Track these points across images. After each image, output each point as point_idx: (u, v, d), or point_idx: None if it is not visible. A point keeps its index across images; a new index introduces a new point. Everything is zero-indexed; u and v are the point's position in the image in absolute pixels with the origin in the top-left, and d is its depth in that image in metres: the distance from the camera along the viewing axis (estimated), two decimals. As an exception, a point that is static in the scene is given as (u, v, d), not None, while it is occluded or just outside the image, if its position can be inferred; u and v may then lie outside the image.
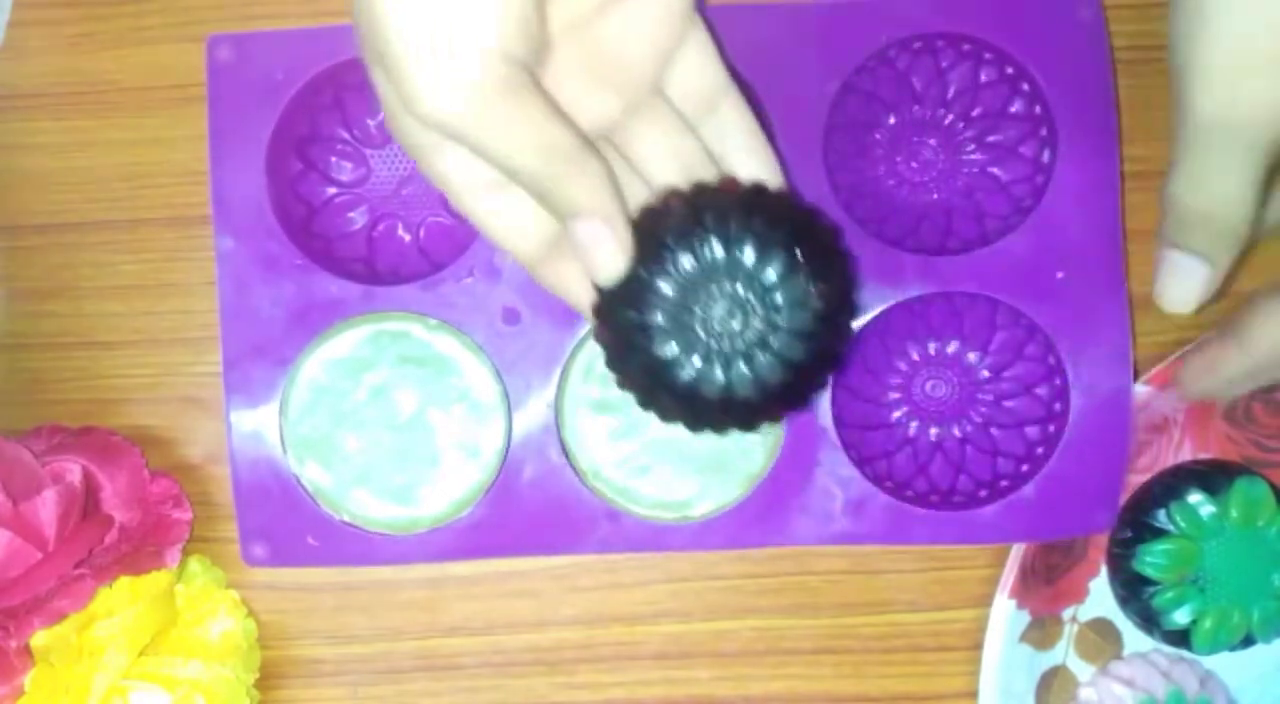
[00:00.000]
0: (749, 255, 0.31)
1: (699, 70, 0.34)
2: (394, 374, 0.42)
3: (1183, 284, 0.34)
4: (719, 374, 0.31)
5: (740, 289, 0.31)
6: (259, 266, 0.40)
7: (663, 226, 0.31)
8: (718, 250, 0.31)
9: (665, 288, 0.31)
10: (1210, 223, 0.33)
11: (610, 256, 0.31)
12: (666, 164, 0.33)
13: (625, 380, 0.33)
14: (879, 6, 0.41)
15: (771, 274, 0.31)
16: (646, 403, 0.33)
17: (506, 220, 0.32)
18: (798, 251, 0.31)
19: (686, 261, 0.31)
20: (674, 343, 0.31)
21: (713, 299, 0.31)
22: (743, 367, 0.31)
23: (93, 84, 0.43)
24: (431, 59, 0.28)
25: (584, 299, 0.33)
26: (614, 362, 0.33)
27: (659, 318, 0.31)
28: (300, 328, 0.41)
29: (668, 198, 0.32)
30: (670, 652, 0.44)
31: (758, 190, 0.33)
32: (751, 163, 0.34)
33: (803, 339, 0.31)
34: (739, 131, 0.34)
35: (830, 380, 0.35)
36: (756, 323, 0.31)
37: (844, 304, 0.33)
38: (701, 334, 0.31)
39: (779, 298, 0.31)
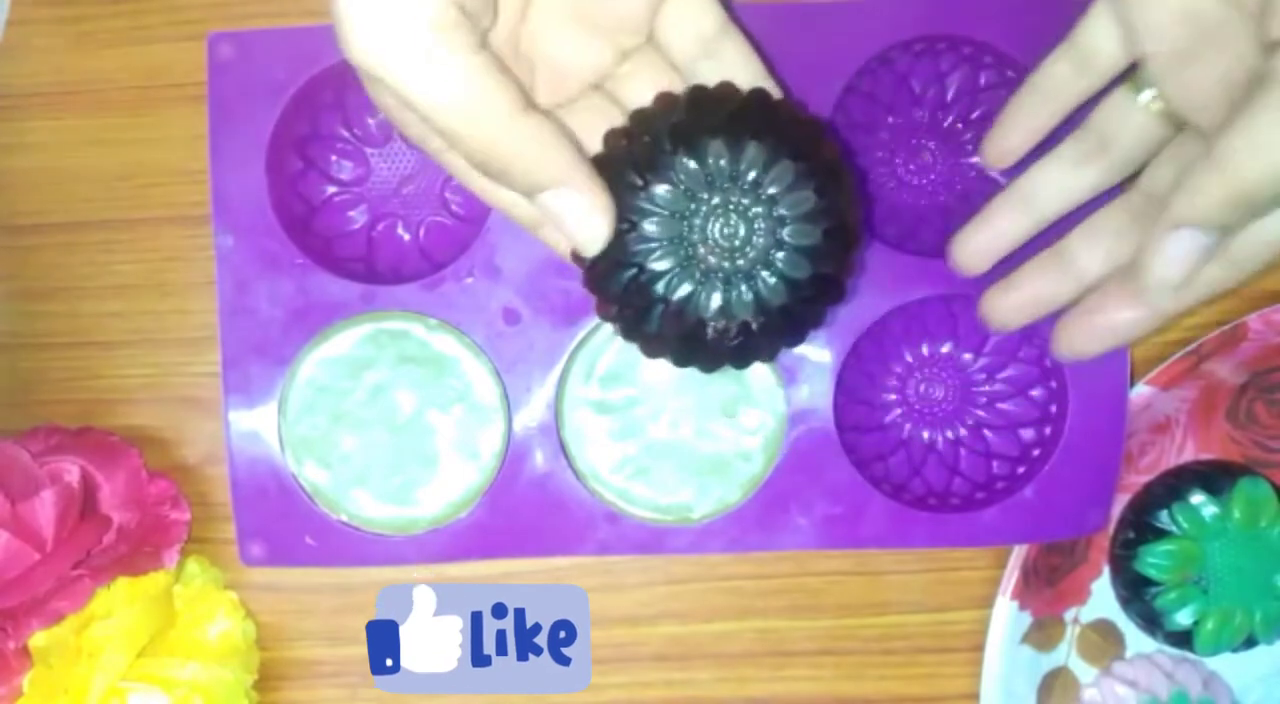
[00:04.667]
0: (754, 161, 0.29)
1: (695, 12, 0.32)
2: (393, 374, 0.41)
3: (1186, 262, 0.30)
4: (717, 294, 0.29)
5: (743, 200, 0.29)
6: (258, 265, 0.40)
7: (659, 127, 0.29)
8: (720, 155, 0.29)
9: (662, 196, 0.29)
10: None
11: (591, 227, 0.29)
12: None
13: (606, 299, 0.31)
14: (881, 8, 0.41)
15: (778, 183, 0.29)
16: (630, 331, 0.31)
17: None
18: (805, 163, 0.29)
19: (688, 165, 0.29)
20: (668, 259, 0.29)
21: (713, 211, 0.29)
22: (744, 287, 0.29)
23: (92, 83, 0.43)
24: None
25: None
26: (595, 277, 0.31)
27: (652, 229, 0.29)
28: (299, 327, 0.40)
29: (663, 96, 0.30)
30: (670, 653, 0.44)
31: (761, 96, 0.31)
32: None
33: (808, 257, 0.29)
34: (743, 75, 0.32)
35: (826, 317, 0.32)
36: (759, 239, 0.29)
37: (850, 224, 0.30)
38: (700, 250, 0.29)
39: (784, 209, 0.29)
